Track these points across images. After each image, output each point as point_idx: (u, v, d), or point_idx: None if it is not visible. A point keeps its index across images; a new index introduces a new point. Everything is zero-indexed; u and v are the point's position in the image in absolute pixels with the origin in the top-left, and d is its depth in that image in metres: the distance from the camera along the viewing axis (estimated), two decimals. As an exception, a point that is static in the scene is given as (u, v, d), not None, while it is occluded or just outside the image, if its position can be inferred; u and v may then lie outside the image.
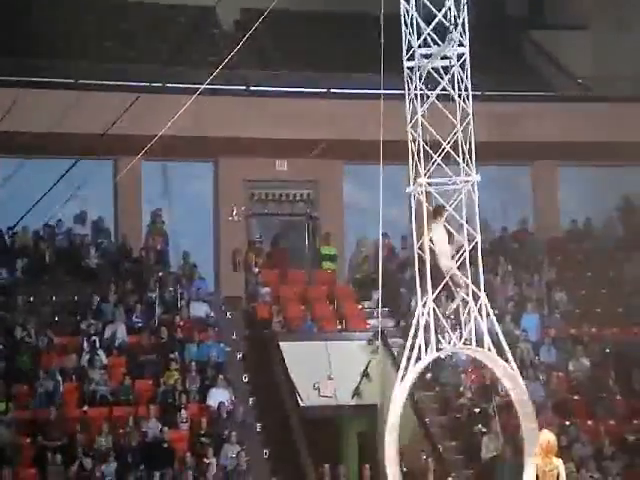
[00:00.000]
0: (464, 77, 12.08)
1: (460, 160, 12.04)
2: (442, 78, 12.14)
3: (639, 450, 19.30)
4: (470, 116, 12.07)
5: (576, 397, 20.51)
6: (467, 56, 12.05)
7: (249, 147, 22.26)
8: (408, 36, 12.12)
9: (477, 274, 12.34)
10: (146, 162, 21.26)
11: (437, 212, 12.27)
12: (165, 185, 23.16)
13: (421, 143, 12.05)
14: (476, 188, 12.21)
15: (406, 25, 12.11)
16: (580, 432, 19.40)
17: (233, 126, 21.85)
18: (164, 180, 23.13)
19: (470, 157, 12.07)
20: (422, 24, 12.04)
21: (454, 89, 12.12)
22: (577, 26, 27.26)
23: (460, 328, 12.03)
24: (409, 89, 12.12)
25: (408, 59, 12.22)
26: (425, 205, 12.18)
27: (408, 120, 12.13)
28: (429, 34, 12.07)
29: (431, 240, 12.12)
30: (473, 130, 12.00)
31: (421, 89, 12.09)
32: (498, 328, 12.29)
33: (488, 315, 12.14)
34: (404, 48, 12.20)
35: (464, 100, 12.09)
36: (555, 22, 27.59)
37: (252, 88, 22.50)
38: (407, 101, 12.11)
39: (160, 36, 23.54)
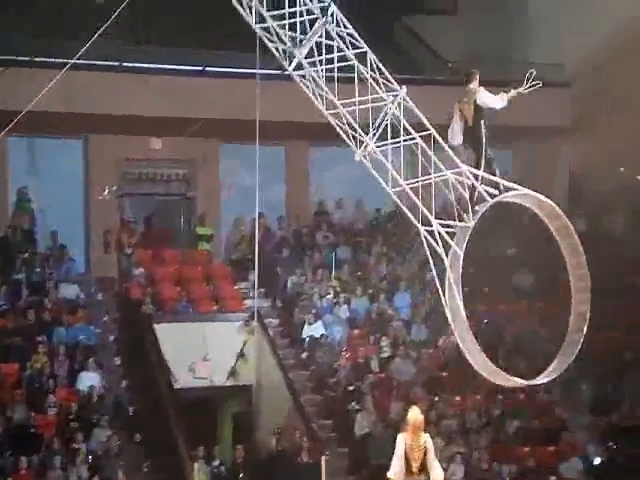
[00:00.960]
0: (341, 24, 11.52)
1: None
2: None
3: (504, 425, 19.59)
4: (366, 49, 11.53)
5: (444, 373, 20.65)
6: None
7: (122, 125, 21.57)
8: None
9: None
10: (12, 138, 20.34)
11: (468, 77, 11.94)
12: (33, 162, 22.31)
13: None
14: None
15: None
16: (448, 407, 19.60)
17: (105, 103, 21.11)
18: (32, 157, 22.28)
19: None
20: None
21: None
22: (447, 11, 27.51)
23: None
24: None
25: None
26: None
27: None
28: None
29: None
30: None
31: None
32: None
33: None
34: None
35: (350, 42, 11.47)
36: (427, 7, 27.74)
37: (125, 64, 21.76)
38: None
39: (29, 8, 22.56)
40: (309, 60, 11.44)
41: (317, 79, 11.41)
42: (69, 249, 21.49)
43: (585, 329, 11.86)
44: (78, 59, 14.51)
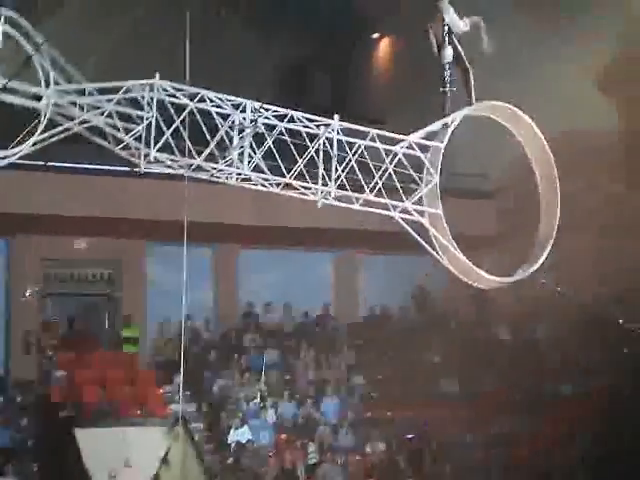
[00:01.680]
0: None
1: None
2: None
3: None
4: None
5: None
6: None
7: (46, 224, 21.19)
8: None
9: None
10: None
11: None
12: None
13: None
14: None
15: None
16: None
17: (29, 203, 20.77)
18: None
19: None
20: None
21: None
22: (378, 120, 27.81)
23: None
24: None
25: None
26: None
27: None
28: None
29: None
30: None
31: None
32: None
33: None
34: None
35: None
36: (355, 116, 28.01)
37: (50, 164, 21.47)
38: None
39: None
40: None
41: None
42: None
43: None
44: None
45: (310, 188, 11.77)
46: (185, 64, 12.82)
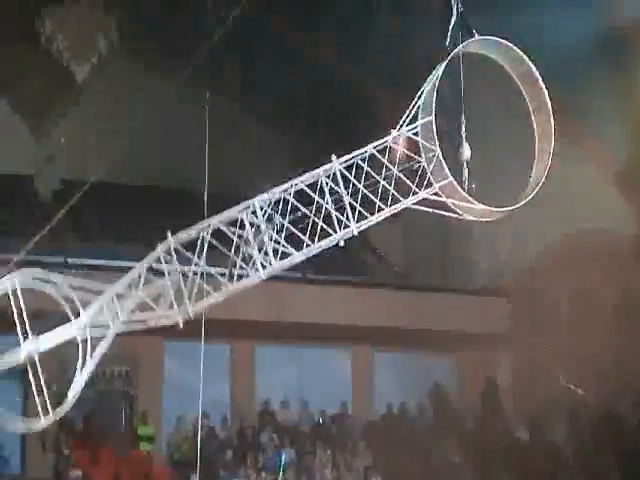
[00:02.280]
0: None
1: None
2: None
3: None
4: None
5: None
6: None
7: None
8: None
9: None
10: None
11: None
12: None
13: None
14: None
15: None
16: None
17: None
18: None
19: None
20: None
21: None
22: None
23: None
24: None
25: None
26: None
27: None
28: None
29: None
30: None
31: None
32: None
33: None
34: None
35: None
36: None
37: (70, 260, 21.55)
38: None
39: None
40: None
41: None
42: (4, 448, 20.67)
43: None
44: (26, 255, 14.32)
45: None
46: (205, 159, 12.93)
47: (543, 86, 12.19)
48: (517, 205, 12.04)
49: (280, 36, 23.85)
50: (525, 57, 12.13)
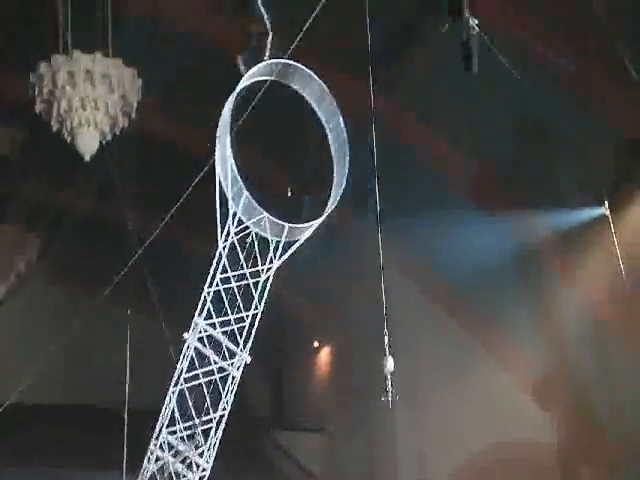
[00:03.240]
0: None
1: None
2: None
3: None
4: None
5: None
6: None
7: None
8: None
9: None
10: None
11: None
12: None
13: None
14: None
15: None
16: None
17: None
18: None
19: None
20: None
21: None
22: (313, 429, 27.63)
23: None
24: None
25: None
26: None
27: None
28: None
29: None
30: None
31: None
32: None
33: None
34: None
35: None
36: (294, 423, 27.86)
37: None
38: None
39: None
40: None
41: None
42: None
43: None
44: None
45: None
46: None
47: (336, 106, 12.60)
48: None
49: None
50: (322, 84, 12.56)
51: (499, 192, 16.22)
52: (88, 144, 14.96)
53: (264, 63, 12.22)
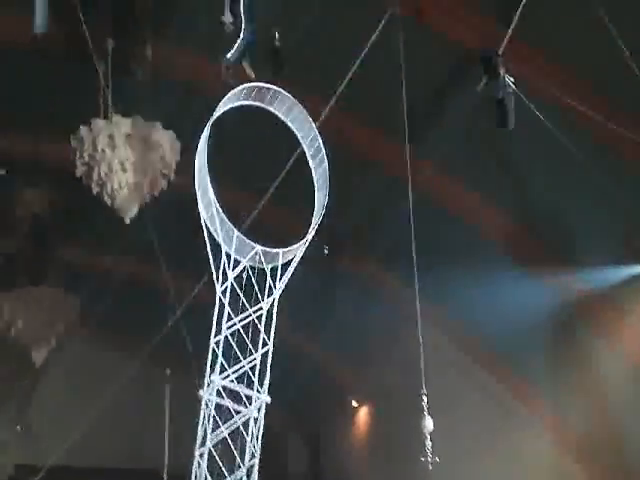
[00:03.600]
0: None
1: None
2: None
3: None
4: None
5: None
6: None
7: None
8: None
9: None
10: None
11: None
12: None
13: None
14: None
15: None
16: None
17: None
18: None
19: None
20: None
21: None
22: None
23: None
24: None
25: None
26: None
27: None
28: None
29: None
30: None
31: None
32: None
33: None
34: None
35: None
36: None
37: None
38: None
39: None
40: None
41: None
42: None
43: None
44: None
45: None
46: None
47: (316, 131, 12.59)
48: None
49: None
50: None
51: (537, 249, 16.09)
52: (128, 206, 15.08)
53: (239, 88, 12.21)
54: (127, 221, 15.26)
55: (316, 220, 12.23)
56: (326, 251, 15.43)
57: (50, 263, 20.97)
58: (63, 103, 16.15)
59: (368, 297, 19.38)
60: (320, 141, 12.50)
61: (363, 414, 24.88)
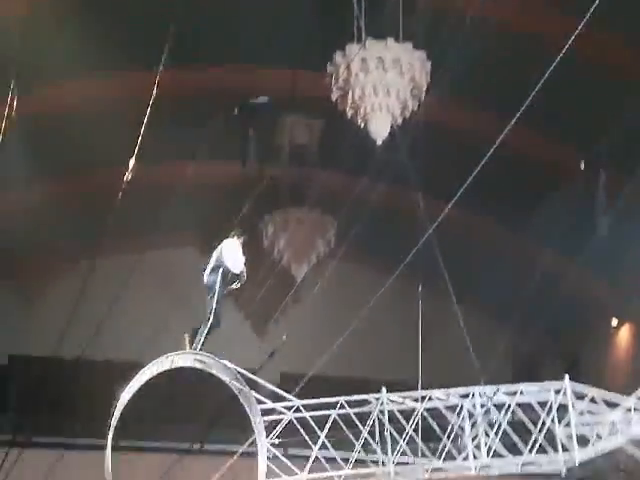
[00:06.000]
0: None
1: None
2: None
3: None
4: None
5: None
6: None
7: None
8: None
9: None
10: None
11: None
12: None
13: None
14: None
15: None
16: None
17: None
18: None
19: None
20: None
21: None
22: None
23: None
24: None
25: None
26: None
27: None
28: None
29: None
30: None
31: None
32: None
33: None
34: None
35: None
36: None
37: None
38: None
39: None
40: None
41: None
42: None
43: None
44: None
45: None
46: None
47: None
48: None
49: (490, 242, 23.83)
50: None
51: None
52: (380, 128, 15.23)
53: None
54: (379, 142, 15.42)
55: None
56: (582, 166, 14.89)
57: (310, 187, 21.59)
58: (320, 32, 16.43)
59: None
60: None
61: (624, 333, 23.96)
